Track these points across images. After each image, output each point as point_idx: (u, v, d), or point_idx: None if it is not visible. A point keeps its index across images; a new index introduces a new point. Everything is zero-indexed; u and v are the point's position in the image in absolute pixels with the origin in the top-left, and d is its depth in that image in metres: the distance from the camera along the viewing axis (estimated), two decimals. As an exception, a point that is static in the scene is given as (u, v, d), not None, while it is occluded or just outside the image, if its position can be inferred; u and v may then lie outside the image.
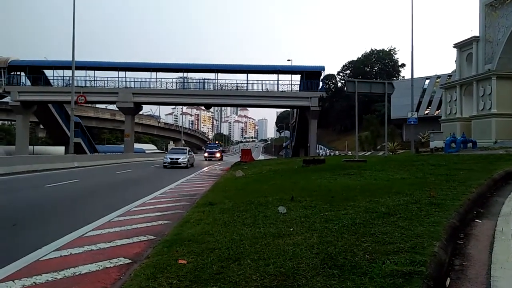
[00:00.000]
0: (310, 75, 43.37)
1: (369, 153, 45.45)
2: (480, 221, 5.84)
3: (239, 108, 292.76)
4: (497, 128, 30.42)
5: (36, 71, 44.66)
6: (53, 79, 45.24)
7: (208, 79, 47.52)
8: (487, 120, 31.33)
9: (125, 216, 7.97)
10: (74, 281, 4.21)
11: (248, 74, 44.08)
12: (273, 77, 44.60)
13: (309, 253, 4.11)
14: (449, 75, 51.07)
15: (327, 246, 4.27)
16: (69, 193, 12.33)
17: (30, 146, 49.67)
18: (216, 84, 45.20)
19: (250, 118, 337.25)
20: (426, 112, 57.45)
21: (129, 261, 4.86)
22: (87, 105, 55.77)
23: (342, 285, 3.24)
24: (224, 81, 46.25)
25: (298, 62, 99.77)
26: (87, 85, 43.04)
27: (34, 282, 4.17)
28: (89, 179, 17.80)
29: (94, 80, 43.96)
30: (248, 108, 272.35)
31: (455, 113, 37.20)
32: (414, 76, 31.12)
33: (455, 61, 38.53)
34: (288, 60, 48.22)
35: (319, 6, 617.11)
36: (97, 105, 65.63)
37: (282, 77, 47.69)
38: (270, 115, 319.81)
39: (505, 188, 8.97)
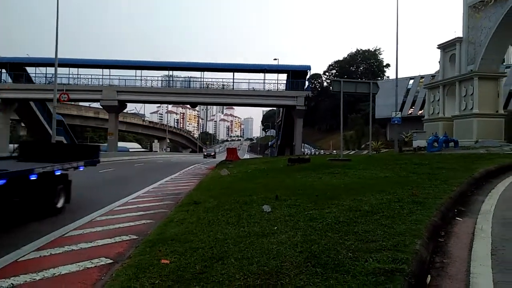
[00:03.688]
0: (296, 75, 43.54)
1: (353, 152, 45.86)
2: (461, 219, 5.94)
3: (225, 107, 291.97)
4: (478, 128, 30.99)
5: (17, 68, 43.78)
6: (35, 77, 44.47)
7: (194, 78, 47.27)
8: (469, 120, 31.89)
9: (107, 216, 7.86)
10: (54, 282, 4.13)
11: (235, 73, 44.01)
12: (260, 76, 44.96)
13: (293, 251, 4.11)
14: (433, 76, 51.78)
15: (311, 245, 4.28)
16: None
17: (11, 145, 48.66)
18: (202, 82, 45.02)
19: (236, 116, 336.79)
20: (410, 111, 58.21)
21: (111, 261, 4.78)
22: (70, 103, 54.84)
23: (325, 283, 3.25)
24: (210, 80, 45.96)
25: (284, 61, 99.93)
26: (70, 82, 42.41)
27: (11, 283, 4.06)
28: (71, 177, 17.50)
29: (78, 77, 43.41)
30: (234, 107, 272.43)
31: (438, 113, 37.76)
32: (399, 76, 31.60)
33: (439, 61, 39.10)
34: (275, 59, 48.39)
35: (306, 6, 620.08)
36: (81, 103, 64.58)
37: (269, 76, 47.90)
38: (256, 114, 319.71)
39: (485, 186, 9.15)
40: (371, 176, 10.45)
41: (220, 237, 4.98)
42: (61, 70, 37.80)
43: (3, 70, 43.69)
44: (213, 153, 68.07)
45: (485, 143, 27.63)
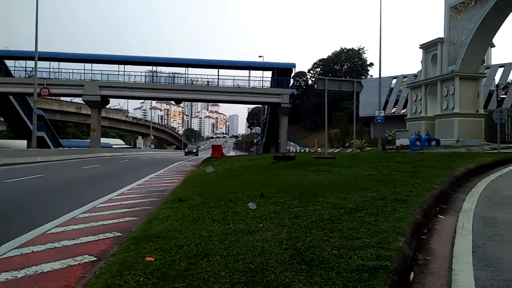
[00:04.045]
0: (281, 72, 43.65)
1: (338, 150, 46.31)
2: (442, 217, 6.05)
3: (210, 104, 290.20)
4: (459, 127, 31.65)
5: (-4, 61, 42.72)
6: (14, 70, 43.48)
7: (178, 74, 47.03)
8: (450, 119, 32.53)
9: (90, 213, 7.74)
10: (36, 279, 4.05)
11: (220, 70, 43.83)
12: (245, 73, 44.61)
13: (278, 249, 4.13)
14: (415, 75, 52.63)
15: (296, 242, 4.30)
16: (31, 189, 11.87)
17: (-10, 140, 47.55)
18: (186, 78, 44.75)
19: (221, 114, 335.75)
20: (393, 110, 59.02)
21: (94, 258, 4.72)
22: (51, 97, 53.92)
23: (310, 280, 3.27)
24: (195, 76, 45.67)
25: (269, 58, 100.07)
26: (51, 77, 41.55)
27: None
28: (53, 174, 17.22)
29: (59, 72, 42.60)
30: (219, 104, 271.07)
31: (420, 112, 38.39)
32: (382, 75, 31.92)
33: (421, 61, 39.73)
34: (260, 56, 48.86)
35: (290, 4, 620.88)
36: (62, 98, 63.50)
37: (254, 73, 47.80)
38: (241, 111, 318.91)
39: (466, 185, 9.33)
40: (355, 174, 10.56)
41: (205, 234, 4.96)
42: (41, 64, 37.14)
43: (-19, 63, 42.61)
44: (195, 150, 60.79)
45: (466, 142, 28.24)
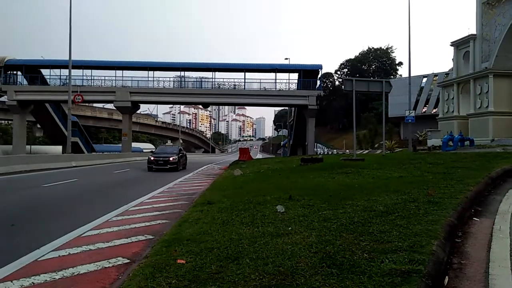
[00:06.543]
0: (307, 74, 43.38)
1: (367, 151, 45.49)
2: (478, 219, 5.86)
3: (237, 107, 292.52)
4: (494, 126, 30.53)
5: (32, 70, 44.50)
6: (49, 78, 45.14)
7: (205, 78, 47.43)
8: (484, 118, 31.42)
9: (123, 216, 7.95)
10: (73, 281, 4.20)
11: (246, 73, 44.01)
12: (271, 75, 44.71)
13: (308, 252, 4.11)
14: (446, 73, 51.12)
15: (326, 245, 4.27)
16: (66, 193, 12.30)
17: (27, 146, 49.55)
18: (213, 83, 45.13)
19: (248, 116, 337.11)
20: (424, 110, 57.54)
21: (128, 261, 4.85)
22: (84, 104, 55.63)
23: (341, 284, 3.25)
24: (221, 80, 46.04)
25: (295, 60, 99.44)
26: (84, 84, 42.90)
27: (32, 282, 4.16)
28: (87, 178, 17.77)
29: (91, 79, 43.85)
30: (246, 107, 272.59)
31: (453, 111, 37.29)
32: (412, 75, 31.26)
33: (452, 59, 38.63)
34: (286, 58, 48.44)
35: (317, 5, 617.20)
36: (94, 104, 65.41)
37: (280, 75, 47.87)
38: (268, 114, 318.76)
39: (502, 186, 9.00)
40: (385, 176, 10.36)
41: (234, 237, 5.00)
42: (74, 72, 38.27)
43: (19, 73, 44.47)
44: (174, 157, 24.00)
45: (501, 142, 27.18)
